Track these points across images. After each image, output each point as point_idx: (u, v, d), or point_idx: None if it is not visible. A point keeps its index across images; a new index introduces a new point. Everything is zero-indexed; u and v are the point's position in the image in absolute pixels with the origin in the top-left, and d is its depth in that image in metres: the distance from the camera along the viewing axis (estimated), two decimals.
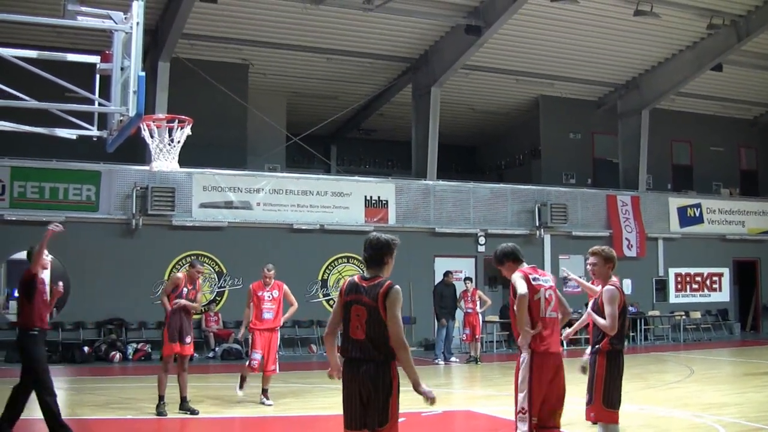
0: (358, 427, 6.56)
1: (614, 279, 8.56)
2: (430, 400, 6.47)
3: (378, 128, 34.16)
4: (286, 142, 28.10)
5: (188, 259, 22.42)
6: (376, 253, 6.76)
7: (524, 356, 7.54)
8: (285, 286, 13.89)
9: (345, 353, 6.66)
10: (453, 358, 21.96)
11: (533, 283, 7.67)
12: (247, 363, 13.64)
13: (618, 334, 8.29)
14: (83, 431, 11.52)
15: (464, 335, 22.45)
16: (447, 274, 22.65)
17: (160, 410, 12.47)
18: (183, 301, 12.69)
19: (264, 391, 13.50)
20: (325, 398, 14.46)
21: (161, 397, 12.57)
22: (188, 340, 12.82)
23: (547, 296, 7.70)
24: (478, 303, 22.25)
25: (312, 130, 28.02)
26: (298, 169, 29.03)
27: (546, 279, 7.83)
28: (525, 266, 7.88)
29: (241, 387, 13.56)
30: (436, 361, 21.74)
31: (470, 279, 23.09)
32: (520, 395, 7.49)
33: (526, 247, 27.17)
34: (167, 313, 12.76)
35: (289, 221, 24.09)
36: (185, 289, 12.85)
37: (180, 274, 13.17)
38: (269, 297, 13.62)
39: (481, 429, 12.34)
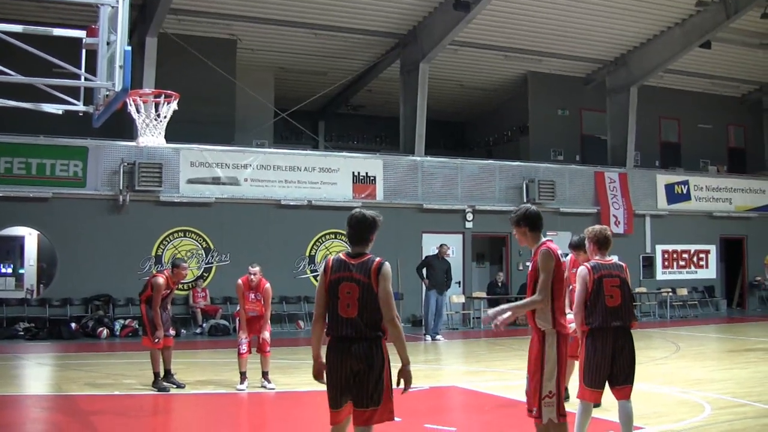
0: (344, 405, 6.51)
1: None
2: (407, 382, 6.53)
3: (366, 104, 34.08)
4: (274, 117, 28.03)
5: (174, 236, 22.57)
6: (363, 230, 6.67)
7: (550, 339, 7.18)
8: (268, 287, 13.22)
9: (334, 332, 6.53)
10: (438, 337, 21.76)
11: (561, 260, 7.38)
12: (237, 352, 13.03)
13: (592, 314, 8.12)
14: (70, 407, 11.54)
15: None
16: (441, 246, 22.38)
17: (160, 386, 12.55)
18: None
19: (264, 374, 13.07)
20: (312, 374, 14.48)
21: (157, 374, 12.65)
22: (172, 332, 13.33)
23: (567, 275, 7.62)
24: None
25: (300, 105, 27.92)
26: (285, 145, 28.95)
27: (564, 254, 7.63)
28: (543, 239, 7.48)
29: (242, 382, 12.90)
30: (430, 337, 21.64)
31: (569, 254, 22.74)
32: (547, 380, 7.11)
33: None
34: (155, 317, 12.76)
35: (276, 197, 24.04)
36: (169, 290, 13.06)
37: (161, 280, 12.84)
38: (253, 298, 13.17)
39: (467, 404, 12.38)
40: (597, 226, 8.73)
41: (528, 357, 7.38)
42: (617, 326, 8.10)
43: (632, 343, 8.21)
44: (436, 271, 21.97)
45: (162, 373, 12.83)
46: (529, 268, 7.47)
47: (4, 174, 21.33)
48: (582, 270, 8.29)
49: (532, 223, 7.46)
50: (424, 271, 22.22)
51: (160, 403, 12.05)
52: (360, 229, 6.66)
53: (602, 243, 8.49)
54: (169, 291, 13.06)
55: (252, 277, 13.19)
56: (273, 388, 12.86)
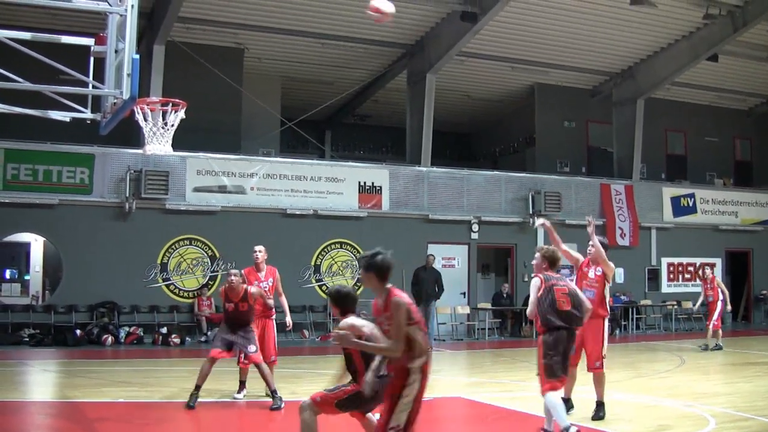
0: None
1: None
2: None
3: (372, 114, 34.13)
4: (280, 126, 28.08)
5: (180, 244, 22.76)
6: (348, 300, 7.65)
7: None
8: (277, 273, 13.03)
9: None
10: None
11: None
12: (237, 360, 12.65)
13: (549, 316, 9.51)
14: (74, 414, 11.55)
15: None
16: (428, 257, 22.40)
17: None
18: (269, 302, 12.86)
19: (270, 388, 12.34)
20: (316, 384, 14.47)
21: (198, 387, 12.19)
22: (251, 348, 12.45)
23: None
24: (719, 291, 21.44)
25: (306, 115, 27.97)
26: (292, 154, 28.98)
27: None
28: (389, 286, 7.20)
29: (239, 391, 12.65)
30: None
31: (710, 266, 22.40)
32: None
33: (519, 235, 27.37)
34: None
35: (282, 206, 24.06)
36: (230, 303, 12.41)
37: (221, 289, 12.67)
38: (265, 286, 12.73)
39: (471, 415, 12.36)
40: (549, 246, 10.26)
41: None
42: (568, 327, 9.51)
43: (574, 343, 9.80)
44: (424, 282, 21.91)
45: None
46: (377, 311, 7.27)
47: (11, 180, 21.40)
48: (535, 280, 9.68)
49: (378, 271, 7.16)
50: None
51: (164, 411, 12.04)
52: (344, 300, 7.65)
53: (553, 261, 9.82)
54: (232, 305, 12.38)
55: (258, 254, 12.78)
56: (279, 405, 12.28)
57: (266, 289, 12.82)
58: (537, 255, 10.12)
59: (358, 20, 25.52)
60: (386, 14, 10.78)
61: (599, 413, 10.78)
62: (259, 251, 13.00)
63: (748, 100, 34.30)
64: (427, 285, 21.94)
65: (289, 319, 13.09)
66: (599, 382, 11.00)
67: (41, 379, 16.05)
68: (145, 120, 13.04)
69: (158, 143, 13.07)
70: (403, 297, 6.98)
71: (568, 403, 10.71)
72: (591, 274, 11.38)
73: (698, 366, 18.16)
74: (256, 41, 26.54)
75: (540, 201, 26.97)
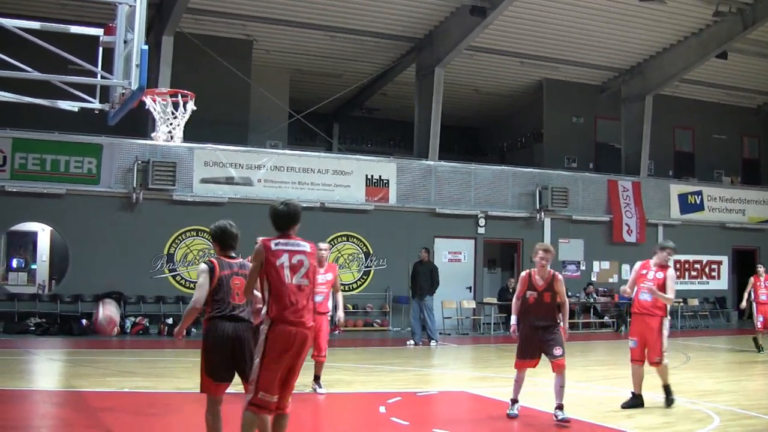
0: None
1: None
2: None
3: (381, 107, 34.12)
4: (288, 119, 28.07)
5: (187, 235, 22.73)
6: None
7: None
8: (338, 270, 12.77)
9: None
10: (433, 342, 21.48)
11: None
12: None
13: None
14: (79, 403, 11.57)
15: (759, 323, 20.57)
16: (421, 250, 22.21)
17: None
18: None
19: (316, 378, 12.45)
20: (331, 375, 14.48)
21: None
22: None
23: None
24: None
25: (315, 107, 27.97)
26: (299, 147, 28.98)
27: None
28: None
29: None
30: (432, 343, 21.53)
31: (762, 264, 21.95)
32: None
33: (525, 230, 27.31)
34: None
35: (289, 198, 24.00)
36: None
37: None
38: (323, 279, 12.31)
39: (476, 410, 12.36)
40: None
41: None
42: None
43: None
44: (420, 277, 21.76)
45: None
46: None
47: (19, 170, 21.42)
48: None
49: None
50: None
51: (171, 401, 12.06)
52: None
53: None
54: None
55: (323, 252, 12.45)
56: (323, 393, 12.16)
57: (325, 282, 12.46)
58: (543, 252, 11.09)
59: (368, 13, 25.56)
60: (112, 324, 11.27)
61: (669, 397, 11.72)
62: (325, 249, 12.85)
63: (757, 98, 34.23)
64: (421, 279, 21.72)
65: (340, 313, 12.91)
66: (662, 373, 11.84)
67: (47, 368, 16.08)
68: (155, 110, 13.04)
69: (169, 132, 13.06)
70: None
71: (638, 399, 11.68)
72: (650, 276, 11.91)
73: (703, 364, 18.14)
74: (265, 33, 26.53)
75: (547, 196, 26.92)
